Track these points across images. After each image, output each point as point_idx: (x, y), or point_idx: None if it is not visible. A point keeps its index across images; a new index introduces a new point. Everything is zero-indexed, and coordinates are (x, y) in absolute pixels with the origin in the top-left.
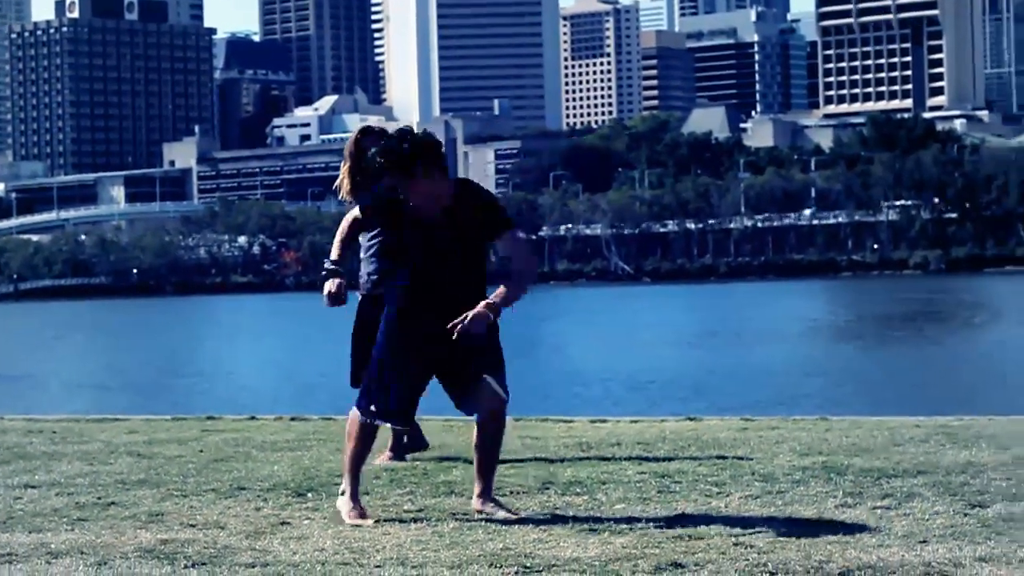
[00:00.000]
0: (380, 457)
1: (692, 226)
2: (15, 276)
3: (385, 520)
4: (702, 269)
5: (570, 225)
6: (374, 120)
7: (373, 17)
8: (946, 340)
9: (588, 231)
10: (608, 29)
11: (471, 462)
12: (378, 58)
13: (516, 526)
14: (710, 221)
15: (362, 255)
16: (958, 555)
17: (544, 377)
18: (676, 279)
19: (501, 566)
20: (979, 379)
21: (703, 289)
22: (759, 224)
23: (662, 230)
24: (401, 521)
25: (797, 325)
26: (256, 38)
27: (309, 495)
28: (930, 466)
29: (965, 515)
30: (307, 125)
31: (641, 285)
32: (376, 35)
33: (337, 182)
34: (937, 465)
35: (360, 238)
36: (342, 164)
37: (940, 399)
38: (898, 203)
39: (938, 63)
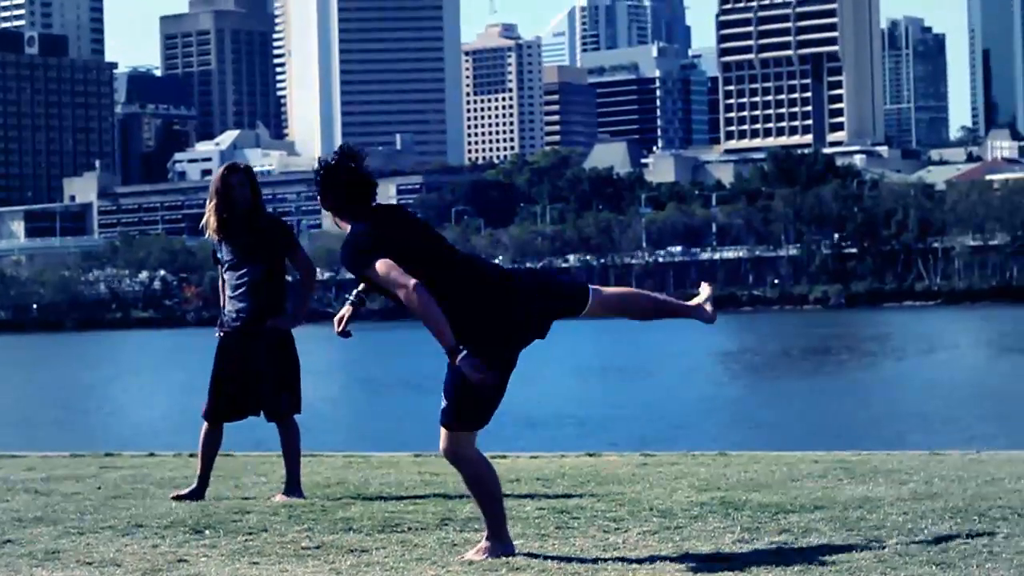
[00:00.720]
0: (277, 496)
1: (593, 261)
2: None
3: (282, 557)
4: None
5: None
6: (276, 155)
7: (275, 52)
8: (845, 375)
9: None
10: (510, 64)
11: (370, 499)
12: (280, 93)
13: (414, 563)
14: (611, 256)
15: (229, 293)
16: None
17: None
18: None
19: None
20: (878, 414)
21: (603, 324)
22: (660, 259)
23: (564, 265)
24: (298, 558)
25: (698, 359)
26: (158, 72)
27: (207, 532)
28: (828, 501)
29: (862, 550)
30: (208, 160)
31: None
32: (278, 70)
33: (204, 220)
34: (835, 500)
35: (226, 276)
36: (208, 202)
37: (839, 434)
38: (798, 238)
39: (838, 99)
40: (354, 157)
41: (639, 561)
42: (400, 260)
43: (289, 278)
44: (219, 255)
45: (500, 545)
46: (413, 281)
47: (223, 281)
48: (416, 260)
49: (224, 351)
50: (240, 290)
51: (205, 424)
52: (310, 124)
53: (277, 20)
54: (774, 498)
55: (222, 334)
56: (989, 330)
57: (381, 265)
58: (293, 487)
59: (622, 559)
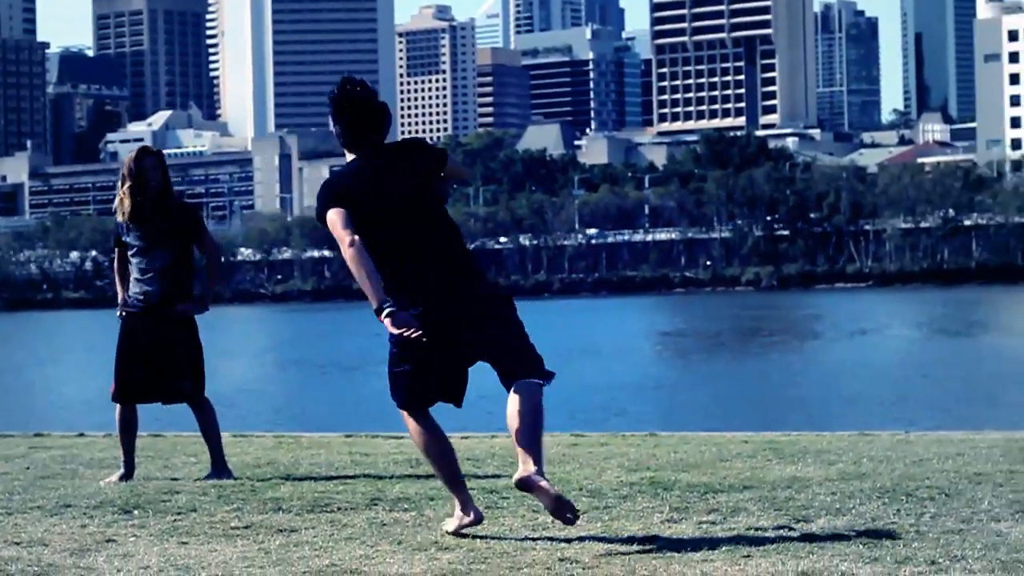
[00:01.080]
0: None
1: (527, 243)
2: None
3: (211, 537)
4: (536, 285)
5: None
6: (209, 136)
7: (208, 32)
8: (776, 356)
9: None
10: (444, 46)
11: (299, 479)
12: (213, 73)
13: (343, 542)
14: (544, 238)
15: (136, 276)
16: (781, 569)
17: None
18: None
19: None
20: (808, 395)
21: (537, 305)
22: (593, 241)
23: (496, 246)
24: (227, 537)
25: (629, 341)
26: (90, 53)
27: (135, 512)
28: (756, 481)
29: (790, 529)
30: (140, 140)
31: None
32: (211, 50)
33: (116, 203)
34: (763, 480)
35: (135, 260)
36: (120, 184)
37: (769, 415)
38: (730, 220)
39: (771, 82)
40: (353, 83)
41: (567, 541)
42: (353, 213)
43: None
44: (126, 238)
45: (464, 517)
46: (351, 237)
47: (127, 264)
48: (361, 218)
49: (130, 333)
50: (149, 274)
51: (118, 407)
52: (243, 105)
53: (210, 1)
54: (703, 478)
55: (125, 314)
56: (920, 312)
57: (331, 214)
58: (219, 467)
59: (551, 539)
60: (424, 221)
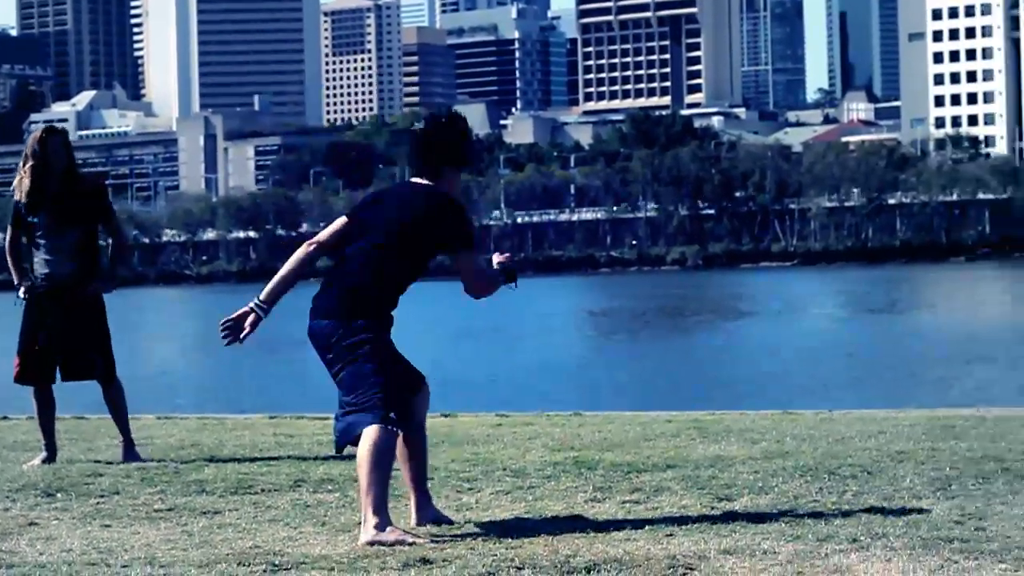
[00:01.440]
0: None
1: None
2: None
3: (134, 519)
4: None
5: (330, 222)
6: (133, 116)
7: (132, 12)
8: (702, 335)
9: None
10: (369, 25)
11: (223, 461)
12: (137, 53)
13: (267, 524)
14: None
15: (44, 256)
16: (703, 548)
17: (301, 374)
18: (435, 276)
19: (250, 564)
20: (732, 373)
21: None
22: (519, 220)
23: None
24: (150, 520)
25: (555, 320)
26: (13, 32)
27: (58, 495)
28: (680, 460)
29: (712, 508)
30: (64, 120)
31: None
32: (135, 30)
33: (16, 181)
34: (687, 459)
35: (42, 240)
36: (22, 163)
37: (693, 394)
38: (656, 200)
39: (696, 61)
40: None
41: (492, 521)
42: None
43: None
44: (32, 219)
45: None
46: (313, 240)
47: (19, 244)
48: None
49: (37, 312)
50: (58, 254)
51: (33, 389)
52: (167, 85)
53: None
54: (627, 457)
55: (29, 295)
56: (844, 291)
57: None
58: (129, 449)
59: (475, 519)
60: (372, 246)
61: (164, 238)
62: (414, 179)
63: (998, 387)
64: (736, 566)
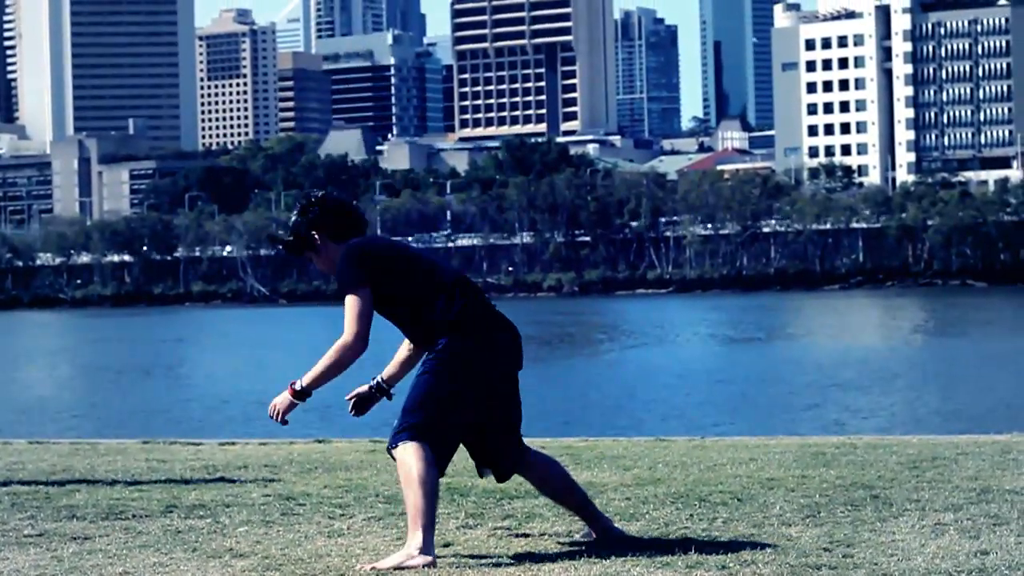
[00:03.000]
0: None
1: None
2: None
3: (3, 545)
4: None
5: (206, 246)
6: (6, 138)
7: (5, 34)
8: (577, 362)
9: (224, 252)
10: (244, 50)
11: (95, 486)
12: (10, 75)
13: (137, 549)
14: None
15: None
16: (574, 574)
17: (178, 400)
18: (312, 300)
19: None
20: (606, 400)
21: (335, 311)
22: None
23: None
24: (20, 545)
25: None
26: None
27: None
28: None
29: (584, 535)
30: None
31: (277, 307)
32: (8, 52)
33: None
34: None
35: None
36: None
37: (567, 420)
38: (532, 227)
39: (572, 88)
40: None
41: (363, 549)
42: None
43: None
44: None
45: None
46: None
47: None
48: None
49: None
50: None
51: None
52: (41, 108)
53: (7, 2)
54: (499, 484)
55: None
56: (719, 318)
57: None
58: None
59: (346, 545)
60: None
61: (38, 261)
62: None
63: (869, 414)
64: None
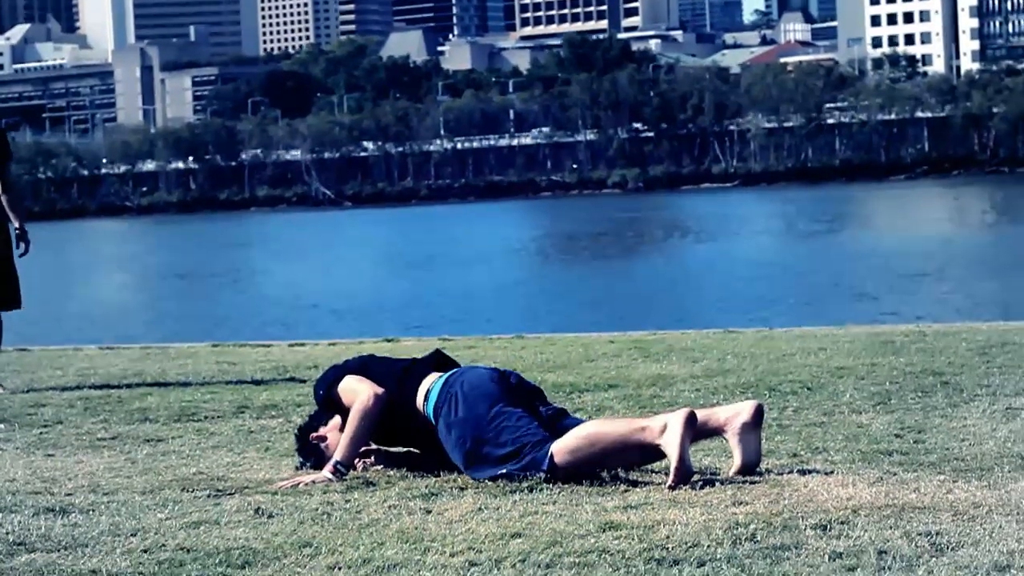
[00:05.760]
0: None
1: (392, 150)
2: None
3: (77, 448)
4: (403, 192)
5: (269, 151)
6: (68, 49)
7: None
8: (642, 257)
9: (288, 156)
10: None
11: (166, 389)
12: None
13: (210, 450)
14: (409, 144)
15: None
16: (645, 466)
17: (249, 302)
18: (377, 202)
19: (193, 490)
20: (674, 294)
21: (405, 212)
22: (459, 146)
23: (362, 154)
24: (94, 448)
25: (498, 245)
26: None
27: (2, 426)
28: (622, 380)
29: None
30: (0, 55)
31: (342, 209)
32: None
33: None
34: (628, 379)
35: None
36: None
37: (635, 315)
38: (595, 124)
39: None
40: None
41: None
42: None
43: None
44: None
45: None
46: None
47: None
48: None
49: None
50: None
51: None
52: (102, 17)
53: None
54: (569, 378)
55: None
56: (785, 211)
57: None
58: None
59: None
60: None
61: (103, 170)
62: None
63: (938, 302)
64: None
